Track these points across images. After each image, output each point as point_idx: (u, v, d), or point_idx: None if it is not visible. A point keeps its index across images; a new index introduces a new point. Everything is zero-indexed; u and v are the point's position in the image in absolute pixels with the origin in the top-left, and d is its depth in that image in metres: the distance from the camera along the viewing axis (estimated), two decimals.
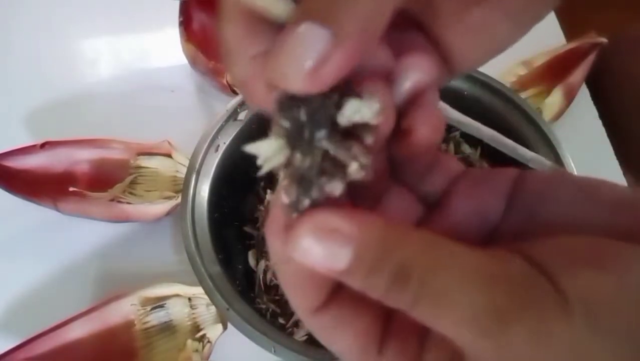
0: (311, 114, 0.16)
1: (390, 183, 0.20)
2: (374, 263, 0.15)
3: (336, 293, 0.17)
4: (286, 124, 0.16)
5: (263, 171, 0.16)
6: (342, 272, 0.15)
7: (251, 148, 0.16)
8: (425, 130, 0.17)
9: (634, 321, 0.14)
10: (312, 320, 0.17)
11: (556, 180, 0.19)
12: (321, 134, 0.16)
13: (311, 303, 0.17)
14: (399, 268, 0.15)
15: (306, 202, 0.16)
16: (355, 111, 0.16)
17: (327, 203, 0.16)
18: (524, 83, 0.57)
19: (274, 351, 0.35)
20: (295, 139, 0.16)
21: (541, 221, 0.18)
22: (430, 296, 0.14)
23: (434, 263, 0.15)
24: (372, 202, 0.19)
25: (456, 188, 0.19)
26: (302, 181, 0.16)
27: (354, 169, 0.16)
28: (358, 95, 0.16)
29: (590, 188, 0.18)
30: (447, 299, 0.14)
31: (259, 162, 0.16)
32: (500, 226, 0.19)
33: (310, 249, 0.15)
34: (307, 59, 0.14)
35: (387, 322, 0.17)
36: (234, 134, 0.44)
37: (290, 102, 0.16)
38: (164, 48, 0.61)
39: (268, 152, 0.16)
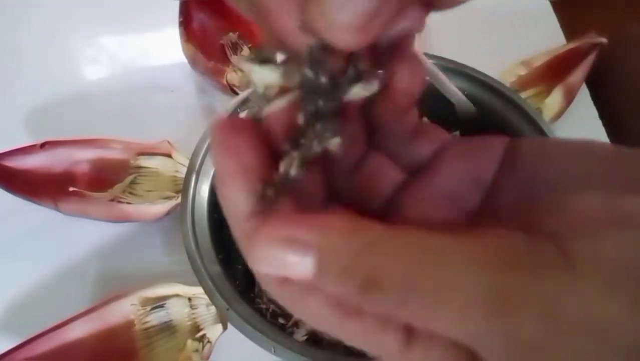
0: (332, 81, 0.15)
1: (367, 150, 0.19)
2: (341, 269, 0.14)
3: None
4: (310, 74, 0.15)
5: (247, 92, 0.16)
6: (311, 280, 0.14)
7: (248, 67, 0.15)
8: (404, 76, 0.17)
9: None
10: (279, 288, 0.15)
11: (550, 144, 0.18)
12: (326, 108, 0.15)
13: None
14: (371, 271, 0.14)
15: (269, 191, 0.15)
16: (359, 92, 0.16)
17: (302, 199, 0.15)
18: (523, 83, 0.57)
19: (274, 351, 0.35)
20: (307, 93, 0.15)
21: (542, 185, 0.17)
22: (421, 292, 0.13)
23: (414, 260, 0.14)
24: (348, 171, 0.19)
25: (446, 153, 0.19)
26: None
27: (334, 144, 0.16)
28: (357, 67, 0.16)
29: (586, 146, 0.17)
30: (442, 292, 0.13)
31: (251, 82, 0.15)
32: (497, 195, 0.18)
33: (271, 261, 0.14)
34: (360, 10, 0.13)
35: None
36: None
37: (322, 55, 0.15)
38: (164, 48, 0.61)
39: (265, 78, 0.15)
